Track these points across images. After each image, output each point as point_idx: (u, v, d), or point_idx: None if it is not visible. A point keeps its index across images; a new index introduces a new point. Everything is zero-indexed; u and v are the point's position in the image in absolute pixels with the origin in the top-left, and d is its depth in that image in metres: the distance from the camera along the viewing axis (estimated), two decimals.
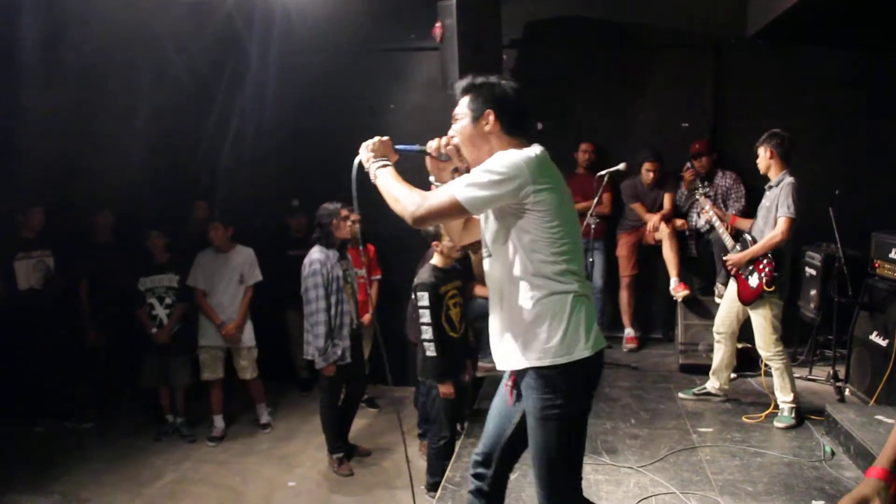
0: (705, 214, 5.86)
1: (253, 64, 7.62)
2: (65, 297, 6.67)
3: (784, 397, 5.31)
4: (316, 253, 5.61)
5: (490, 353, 6.45)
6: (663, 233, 6.93)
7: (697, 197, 6.09)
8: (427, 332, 4.88)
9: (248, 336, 6.75)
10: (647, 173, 7.11)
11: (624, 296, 7.41)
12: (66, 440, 6.52)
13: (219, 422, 6.72)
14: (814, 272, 6.38)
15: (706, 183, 6.40)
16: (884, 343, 5.35)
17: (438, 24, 6.64)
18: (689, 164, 7.14)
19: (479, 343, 6.13)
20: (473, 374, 5.89)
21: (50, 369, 6.42)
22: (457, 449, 4.97)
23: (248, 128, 7.73)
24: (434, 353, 4.88)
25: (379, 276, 7.18)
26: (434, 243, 5.08)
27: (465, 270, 5.58)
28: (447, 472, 4.59)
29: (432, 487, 4.99)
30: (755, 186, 5.96)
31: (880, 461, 1.85)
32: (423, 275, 5.00)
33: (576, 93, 7.56)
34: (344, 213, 5.72)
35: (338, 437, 6.00)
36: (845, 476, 4.45)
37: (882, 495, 1.79)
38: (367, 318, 6.73)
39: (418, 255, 5.98)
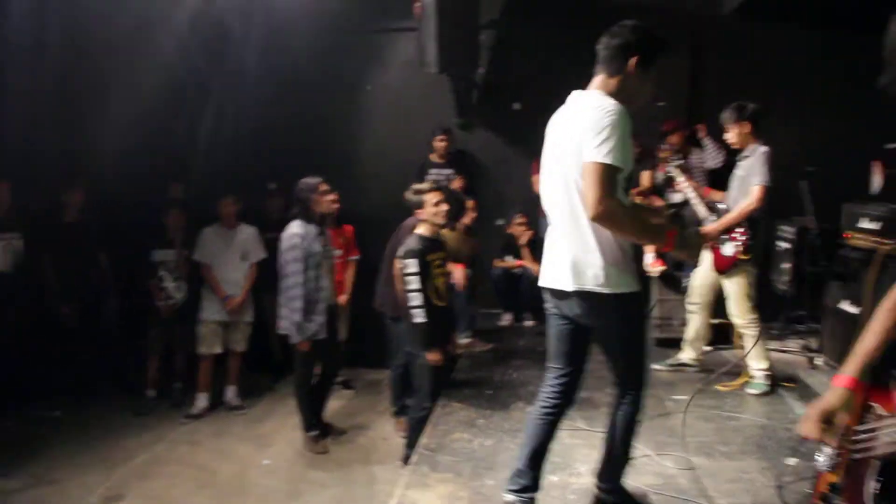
0: (679, 187, 5.89)
1: (231, 45, 7.60)
2: (33, 278, 6.59)
3: (758, 365, 5.36)
4: (295, 227, 5.58)
5: (465, 329, 6.50)
6: None
7: (671, 171, 6.12)
8: (415, 299, 4.89)
9: (248, 312, 6.89)
10: None
11: None
12: (39, 425, 6.44)
13: (202, 400, 6.72)
14: (787, 245, 6.43)
15: (680, 156, 6.45)
16: (855, 311, 5.40)
17: (418, 3, 6.66)
18: (664, 146, 7.18)
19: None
20: (453, 350, 5.90)
21: (22, 354, 6.34)
22: (433, 418, 4.97)
23: (226, 109, 7.72)
24: (421, 320, 4.88)
25: (357, 257, 7.15)
26: (417, 212, 5.08)
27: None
28: (423, 439, 4.60)
29: (409, 460, 4.99)
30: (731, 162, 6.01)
31: (847, 369, 1.87)
32: (410, 242, 5.01)
33: (554, 72, 7.55)
34: (324, 187, 5.70)
35: (312, 414, 5.97)
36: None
37: (848, 405, 1.80)
38: (343, 298, 6.73)
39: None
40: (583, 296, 3.12)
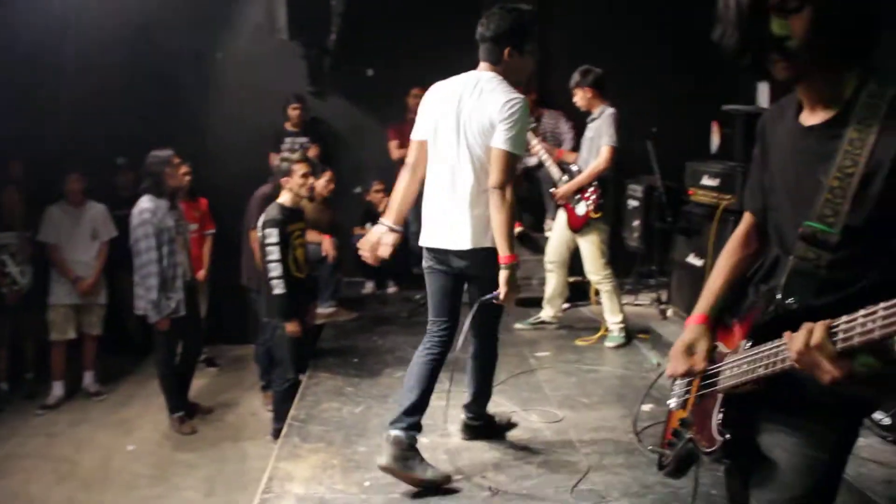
0: (533, 150, 6.03)
1: (72, 12, 7.16)
2: None
3: (613, 318, 5.60)
4: (145, 202, 5.35)
5: (328, 298, 6.45)
6: None
7: None
8: (275, 270, 4.82)
9: (102, 293, 6.59)
10: None
11: None
12: None
13: (58, 389, 6.38)
14: (636, 203, 6.71)
15: (532, 120, 6.59)
16: (699, 263, 5.71)
17: None
18: None
19: (317, 287, 6.10)
20: (312, 321, 5.86)
21: None
22: (301, 389, 4.94)
23: (66, 80, 7.27)
24: (282, 291, 4.82)
25: (213, 231, 6.96)
26: (284, 179, 4.98)
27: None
28: (292, 411, 4.57)
29: (279, 434, 4.93)
30: (580, 124, 6.18)
31: (699, 308, 1.99)
32: (271, 212, 4.91)
33: (406, 38, 7.56)
34: (175, 160, 5.50)
35: (177, 395, 5.81)
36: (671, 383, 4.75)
37: (706, 337, 1.92)
38: (201, 274, 6.55)
39: None
40: (465, 252, 3.52)
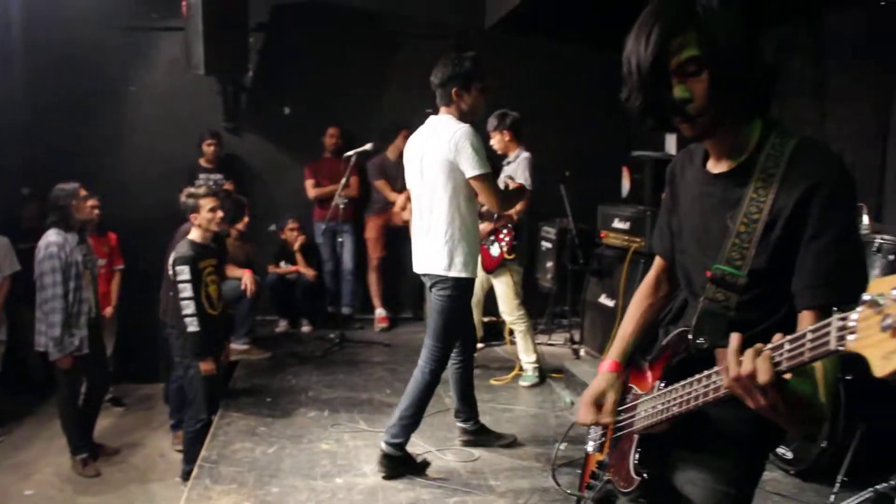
0: None
1: None
2: None
3: (527, 358, 5.68)
4: (53, 236, 5.18)
5: (244, 335, 6.37)
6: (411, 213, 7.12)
7: None
8: (188, 307, 4.73)
9: (1, 329, 6.31)
10: (395, 149, 7.34)
11: (373, 277, 7.58)
12: None
13: None
14: (549, 245, 6.85)
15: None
16: (611, 304, 5.85)
17: (184, 2, 6.45)
18: None
19: (232, 324, 6.01)
20: (227, 358, 5.76)
21: None
22: (212, 429, 4.83)
23: None
24: (196, 329, 4.72)
25: (122, 266, 6.77)
26: (192, 216, 4.91)
27: (219, 249, 5.44)
28: (203, 451, 4.47)
29: (189, 476, 4.80)
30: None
31: (611, 355, 2.05)
32: (181, 248, 4.83)
33: (324, 78, 7.60)
34: (83, 192, 5.36)
35: (81, 436, 5.57)
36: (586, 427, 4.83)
37: (615, 386, 1.98)
38: (108, 311, 6.37)
39: (168, 242, 5.72)
40: (429, 276, 4.05)
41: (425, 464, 4.15)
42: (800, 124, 6.45)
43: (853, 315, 1.15)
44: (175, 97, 7.42)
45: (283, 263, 7.40)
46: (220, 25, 6.62)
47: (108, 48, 7.32)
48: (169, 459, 5.70)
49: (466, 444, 4.51)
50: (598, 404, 1.98)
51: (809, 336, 1.27)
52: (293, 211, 7.55)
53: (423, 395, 4.03)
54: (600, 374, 2.04)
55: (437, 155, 3.91)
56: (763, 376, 1.37)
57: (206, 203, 4.92)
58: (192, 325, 4.75)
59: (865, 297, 1.12)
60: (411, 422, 4.04)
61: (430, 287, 4.08)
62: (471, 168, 3.84)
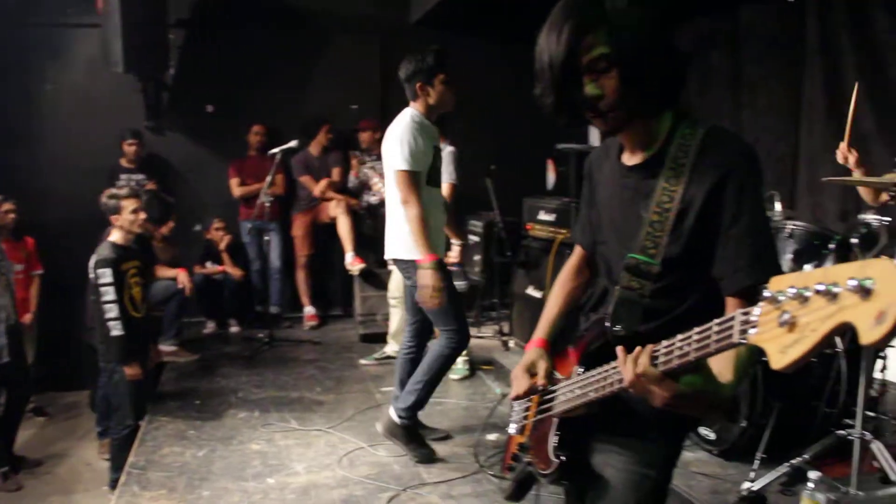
0: (374, 186, 6.10)
1: None
2: None
3: None
4: None
5: (172, 336, 6.28)
6: (337, 210, 7.11)
7: (365, 170, 6.35)
8: (111, 311, 4.63)
9: None
10: (317, 144, 7.37)
11: (302, 275, 7.53)
12: None
13: None
14: (476, 238, 6.91)
15: (374, 157, 6.72)
16: (539, 295, 5.93)
17: None
18: (356, 153, 7.41)
19: (160, 327, 5.92)
20: (156, 359, 5.66)
21: None
22: (140, 435, 4.75)
23: None
24: (120, 333, 4.63)
25: (40, 272, 6.59)
26: (113, 217, 4.81)
27: (144, 251, 5.35)
28: (130, 458, 4.38)
29: (116, 484, 4.70)
30: None
31: (538, 333, 2.09)
32: (102, 251, 4.73)
33: (247, 75, 7.50)
34: None
35: (1, 448, 5.44)
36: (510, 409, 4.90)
37: (545, 357, 2.01)
38: (27, 317, 6.20)
39: (90, 245, 5.58)
40: (399, 262, 4.16)
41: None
42: (718, 114, 6.65)
43: (755, 310, 1.21)
44: (94, 96, 7.23)
45: (209, 264, 7.30)
46: (139, 21, 6.49)
47: (22, 45, 7.09)
48: (96, 469, 5.58)
49: None
50: (532, 373, 2.01)
51: (715, 328, 1.33)
52: (218, 210, 7.45)
53: (434, 368, 4.18)
54: (529, 349, 2.07)
55: (387, 146, 4.06)
56: (650, 374, 1.47)
57: (128, 204, 4.83)
58: (116, 329, 4.66)
59: (766, 293, 1.17)
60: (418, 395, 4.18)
61: (403, 274, 4.25)
62: (396, 161, 3.93)
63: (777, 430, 3.79)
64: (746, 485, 3.58)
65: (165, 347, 6.20)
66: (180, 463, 4.29)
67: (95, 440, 5.79)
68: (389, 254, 4.22)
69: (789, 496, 3.54)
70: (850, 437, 3.46)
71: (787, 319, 1.12)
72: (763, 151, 6.26)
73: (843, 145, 4.33)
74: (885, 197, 3.66)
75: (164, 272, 6.09)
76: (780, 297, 1.14)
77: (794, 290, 1.12)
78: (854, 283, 1.02)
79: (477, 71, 7.64)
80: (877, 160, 5.24)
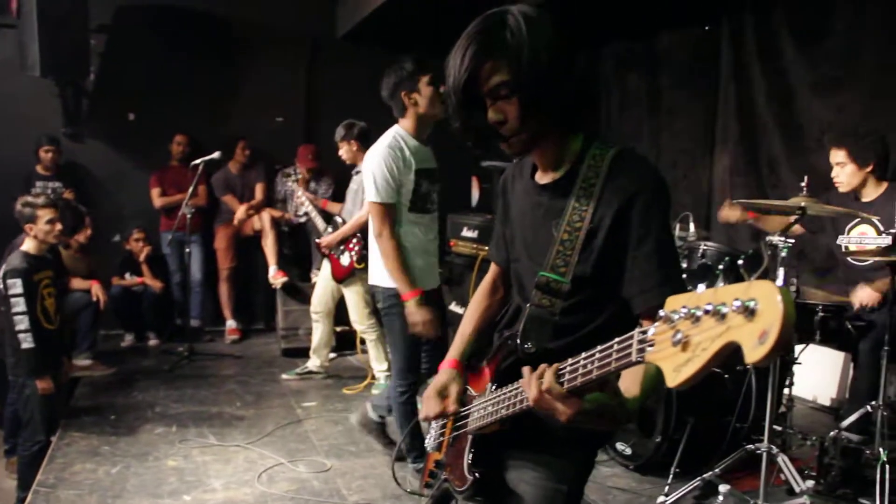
0: (297, 199, 6.07)
1: None
2: None
3: (379, 366, 5.72)
4: None
5: (87, 349, 6.11)
6: (262, 223, 7.06)
7: (290, 184, 6.33)
8: (22, 323, 4.47)
9: None
10: (235, 162, 7.35)
11: (224, 288, 7.44)
12: None
13: None
14: None
15: (298, 170, 6.70)
16: (461, 311, 5.98)
17: None
18: (281, 167, 7.34)
19: (74, 339, 5.77)
20: (70, 372, 5.51)
21: None
22: (50, 451, 4.62)
23: None
24: (31, 345, 4.49)
25: None
26: (28, 226, 4.67)
27: (56, 261, 5.21)
28: (39, 476, 4.26)
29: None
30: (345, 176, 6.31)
31: (451, 353, 2.12)
32: (13, 261, 4.58)
33: (170, 83, 7.38)
34: None
35: None
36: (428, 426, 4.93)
37: (457, 379, 2.04)
38: None
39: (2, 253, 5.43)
40: (374, 288, 3.98)
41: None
42: (637, 137, 6.82)
43: (651, 329, 1.25)
44: (9, 100, 7.00)
45: (128, 275, 7.15)
46: (58, 24, 6.34)
47: None
48: (2, 489, 5.39)
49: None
50: (443, 396, 2.04)
51: (616, 347, 1.37)
52: (138, 220, 7.30)
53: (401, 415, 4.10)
54: (441, 370, 2.10)
55: (363, 172, 3.94)
56: (555, 392, 1.50)
57: (44, 214, 4.69)
58: (27, 342, 4.52)
59: (661, 312, 1.21)
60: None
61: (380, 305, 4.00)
62: (368, 192, 3.77)
63: (691, 445, 3.91)
64: (661, 499, 3.69)
65: (79, 362, 6.05)
66: (92, 480, 4.19)
67: (2, 458, 5.60)
68: (371, 280, 3.99)
69: None
70: (758, 451, 3.59)
71: (679, 339, 1.15)
72: (680, 173, 6.46)
73: (726, 203, 4.60)
74: (791, 220, 3.80)
75: (78, 284, 5.95)
76: (675, 317, 1.18)
77: (686, 310, 1.15)
78: (738, 303, 1.06)
79: None
80: (786, 183, 5.48)
